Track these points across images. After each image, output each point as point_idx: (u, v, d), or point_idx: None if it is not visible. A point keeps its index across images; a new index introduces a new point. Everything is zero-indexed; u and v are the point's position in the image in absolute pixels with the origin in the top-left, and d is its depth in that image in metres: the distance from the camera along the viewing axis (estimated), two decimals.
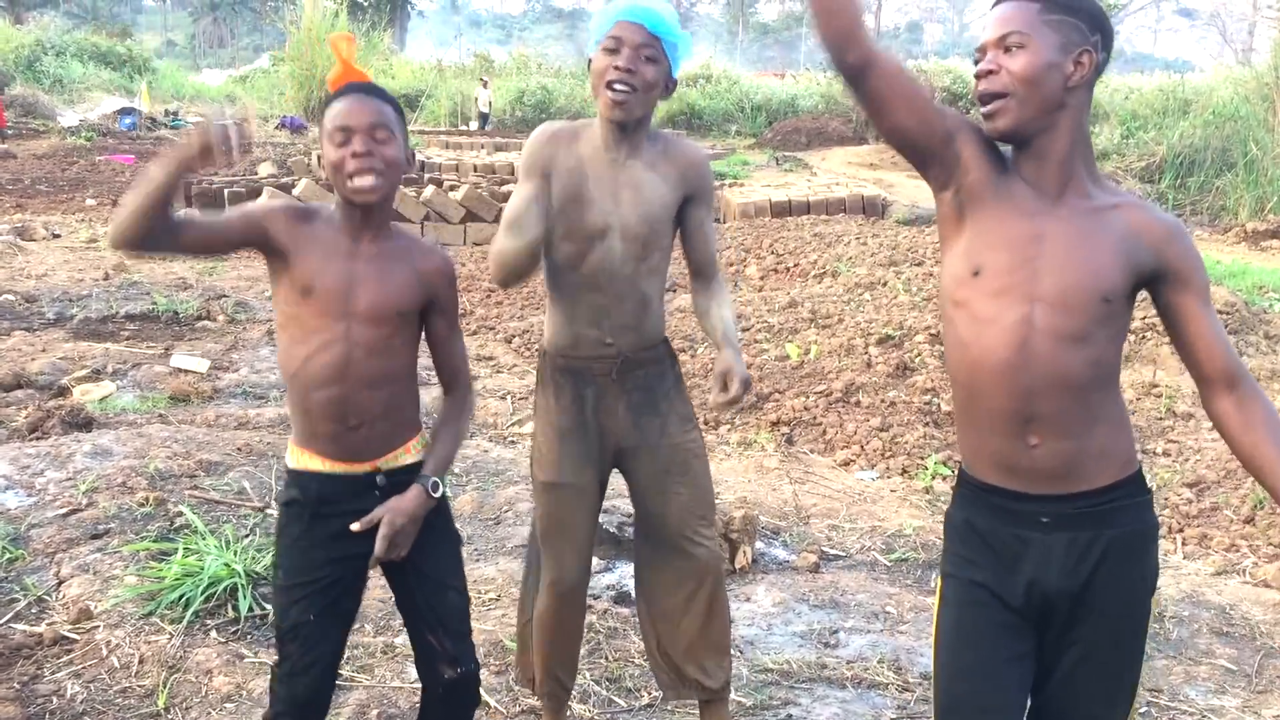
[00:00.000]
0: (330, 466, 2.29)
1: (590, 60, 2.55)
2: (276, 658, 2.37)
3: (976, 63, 1.92)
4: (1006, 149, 1.96)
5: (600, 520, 4.02)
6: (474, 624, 3.55)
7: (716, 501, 4.52)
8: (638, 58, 2.46)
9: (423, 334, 2.39)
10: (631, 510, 2.89)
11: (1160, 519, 4.81)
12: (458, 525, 4.54)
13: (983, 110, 1.90)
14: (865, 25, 1.87)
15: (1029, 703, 2.02)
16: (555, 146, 2.57)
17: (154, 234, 2.12)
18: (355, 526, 2.26)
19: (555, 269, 2.62)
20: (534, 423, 2.78)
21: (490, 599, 3.84)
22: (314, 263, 2.22)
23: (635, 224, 2.56)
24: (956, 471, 2.11)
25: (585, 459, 2.69)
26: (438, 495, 2.31)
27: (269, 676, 2.42)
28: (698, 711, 2.96)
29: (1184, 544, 4.62)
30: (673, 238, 2.70)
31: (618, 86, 2.45)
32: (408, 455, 2.35)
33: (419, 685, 3.19)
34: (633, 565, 4.13)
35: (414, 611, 2.44)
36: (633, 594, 3.91)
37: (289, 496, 2.34)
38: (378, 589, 3.67)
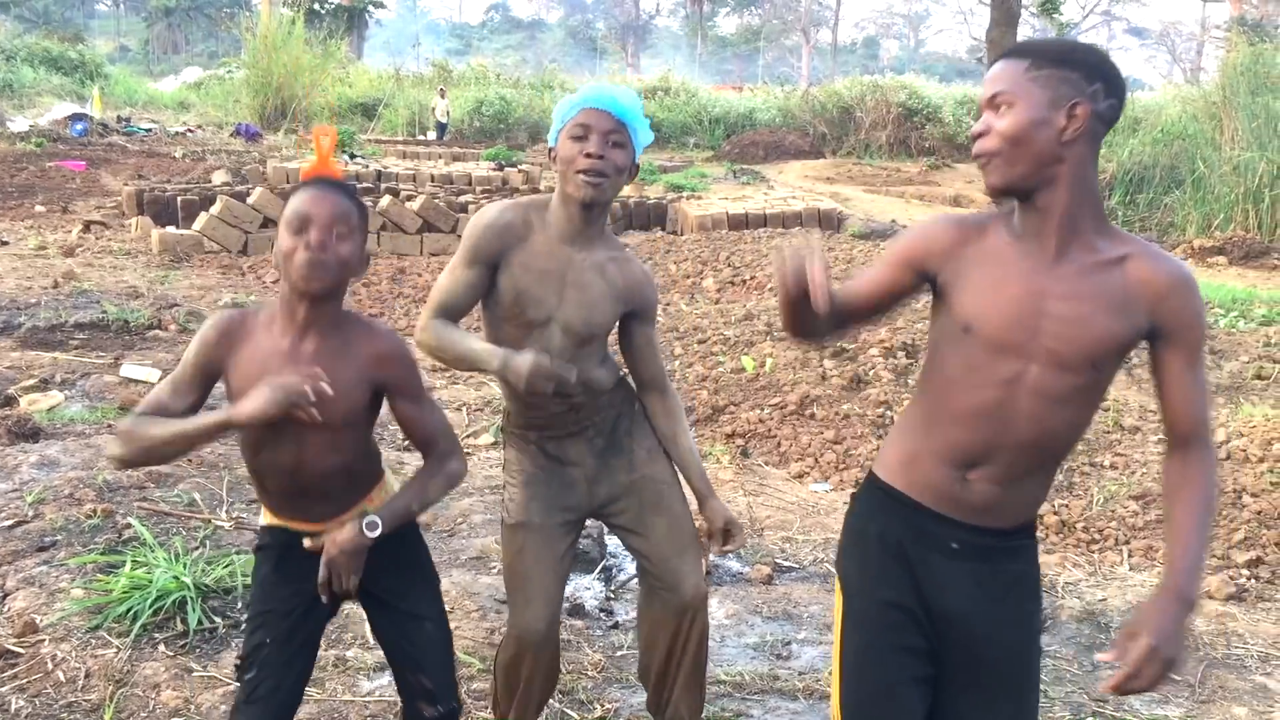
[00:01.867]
0: (290, 525, 2.35)
1: (551, 149, 2.55)
2: (240, 680, 2.38)
3: (976, 119, 1.95)
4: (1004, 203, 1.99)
5: None
6: None
7: None
8: (606, 143, 2.45)
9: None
10: (591, 522, 2.89)
11: (1107, 531, 4.89)
12: None
13: (979, 165, 1.93)
14: (827, 316, 1.88)
15: None
16: (508, 240, 2.53)
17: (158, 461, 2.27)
18: (307, 543, 2.28)
19: (498, 344, 2.57)
20: (504, 474, 2.76)
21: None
22: (255, 374, 2.16)
23: (577, 323, 2.56)
24: (866, 474, 2.12)
25: (554, 504, 2.68)
26: (373, 535, 2.25)
27: (230, 709, 2.42)
28: None
29: (1130, 555, 4.70)
30: (610, 332, 2.70)
31: (589, 173, 2.44)
32: (370, 505, 2.36)
33: (370, 699, 3.19)
34: (587, 577, 4.15)
35: (391, 649, 2.45)
36: (586, 607, 3.93)
37: (261, 542, 2.42)
38: None
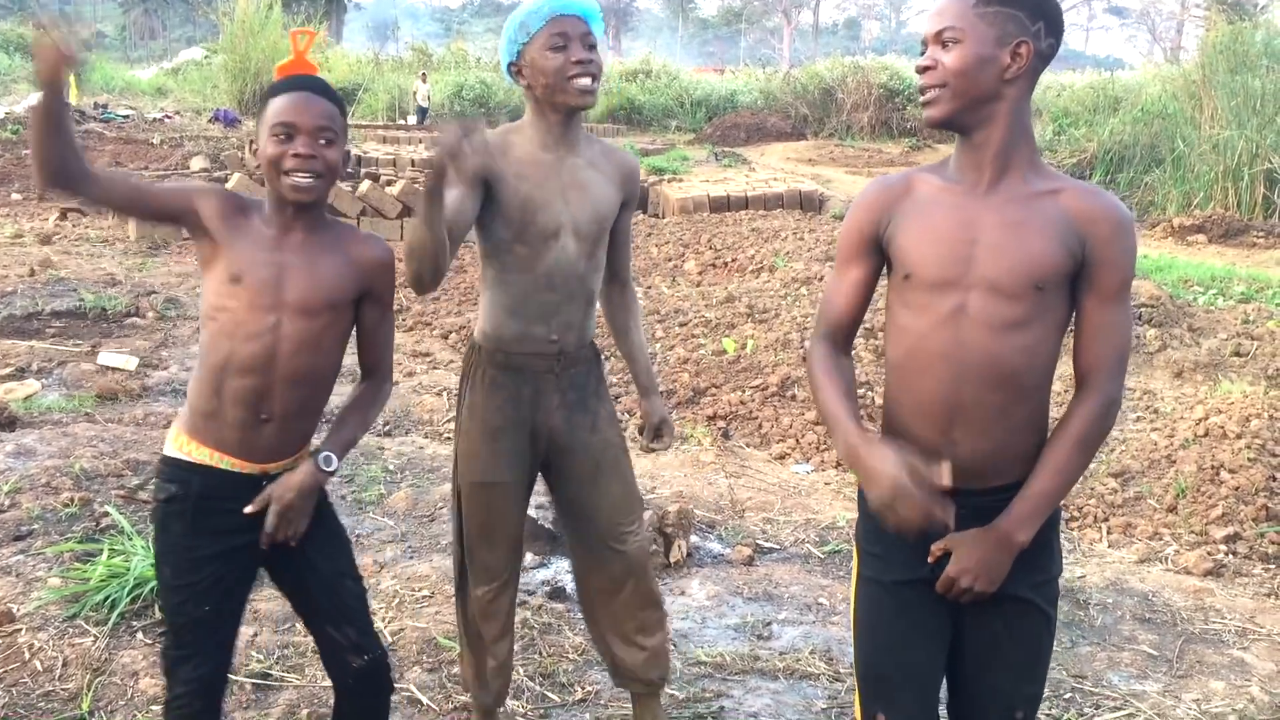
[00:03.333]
0: (218, 460, 2.21)
1: (512, 63, 2.53)
2: (168, 643, 2.29)
3: (921, 54, 1.95)
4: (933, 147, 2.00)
5: (534, 515, 4.03)
6: (408, 621, 3.56)
7: (652, 497, 4.54)
8: (588, 47, 2.48)
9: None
10: None
11: (1086, 508, 4.91)
12: (391, 522, 4.54)
13: (921, 100, 1.95)
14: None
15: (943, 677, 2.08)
16: (494, 153, 2.50)
17: (65, 166, 2.05)
18: (248, 509, 2.20)
19: (505, 269, 2.57)
20: (461, 421, 2.71)
21: (424, 596, 3.81)
22: (244, 252, 2.17)
23: (586, 223, 2.56)
24: None
25: (518, 457, 2.67)
26: (330, 470, 2.24)
27: (164, 674, 2.33)
28: (631, 705, 2.96)
29: (1109, 533, 4.72)
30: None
31: (585, 79, 2.46)
32: (296, 461, 2.29)
33: None
34: (567, 560, 4.14)
35: (313, 607, 2.40)
36: (567, 590, 3.92)
37: (168, 493, 2.23)
38: None
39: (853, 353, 2.17)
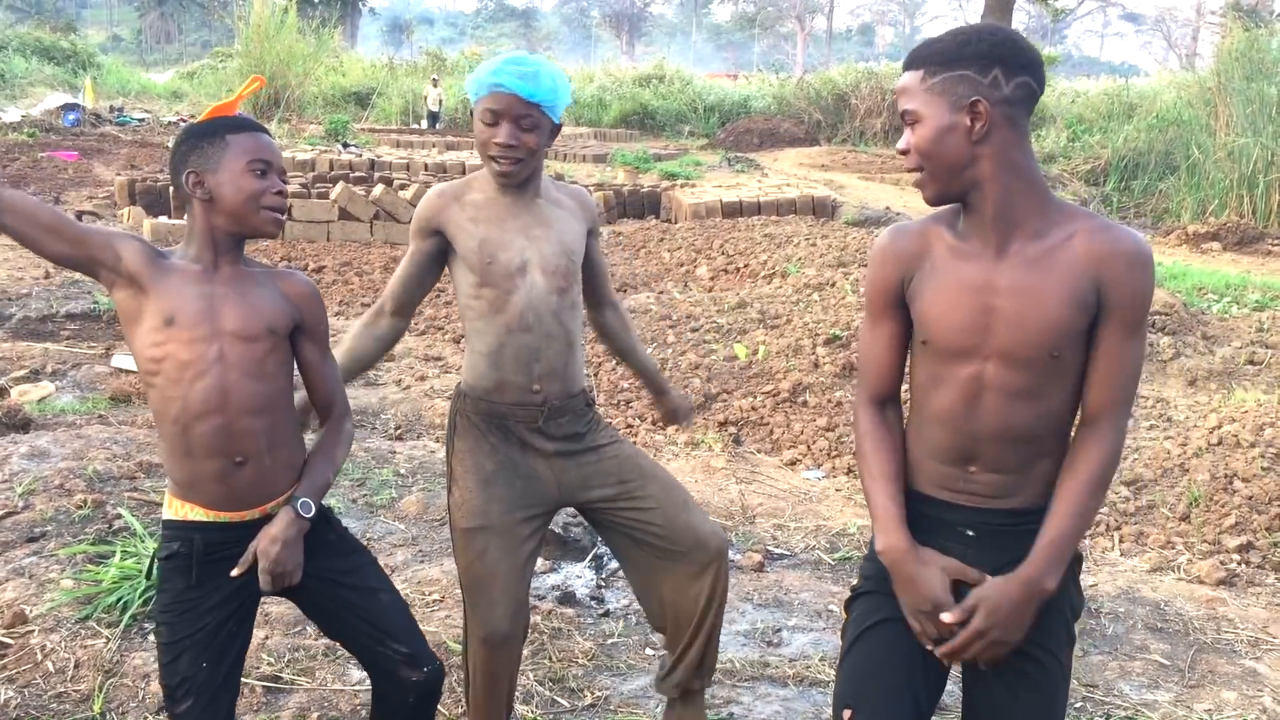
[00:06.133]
0: (214, 516, 2.22)
1: (471, 108, 2.55)
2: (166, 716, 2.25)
3: None
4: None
5: None
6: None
7: None
8: (518, 129, 2.44)
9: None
10: (573, 510, 2.84)
11: (1098, 517, 4.89)
12: (402, 526, 4.54)
13: (914, 184, 1.94)
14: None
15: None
16: (444, 201, 2.52)
17: None
18: (234, 572, 2.19)
19: (479, 316, 2.53)
20: (452, 470, 2.63)
21: (434, 600, 3.82)
22: (173, 291, 2.14)
23: (553, 257, 2.52)
24: None
25: (516, 502, 2.56)
26: (309, 516, 2.22)
27: None
28: (666, 707, 2.89)
29: (1121, 541, 4.70)
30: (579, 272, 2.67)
31: (501, 160, 2.45)
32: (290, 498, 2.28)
33: (360, 688, 3.19)
34: (578, 565, 4.14)
35: (353, 630, 2.36)
36: (578, 595, 3.92)
37: (170, 550, 2.23)
38: None
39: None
